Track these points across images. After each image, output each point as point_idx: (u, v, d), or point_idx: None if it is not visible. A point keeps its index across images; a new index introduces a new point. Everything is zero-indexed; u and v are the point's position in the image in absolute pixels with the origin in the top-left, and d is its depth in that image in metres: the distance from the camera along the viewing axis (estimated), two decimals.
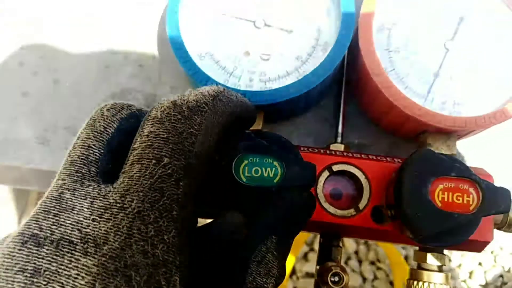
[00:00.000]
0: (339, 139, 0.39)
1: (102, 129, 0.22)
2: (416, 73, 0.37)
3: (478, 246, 0.33)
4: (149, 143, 0.21)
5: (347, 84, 0.40)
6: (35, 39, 0.44)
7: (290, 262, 0.97)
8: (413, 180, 0.29)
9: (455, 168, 0.29)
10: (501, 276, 1.08)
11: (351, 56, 0.39)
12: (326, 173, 0.34)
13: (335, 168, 0.34)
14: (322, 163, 0.34)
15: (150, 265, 0.18)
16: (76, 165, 0.21)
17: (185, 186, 0.21)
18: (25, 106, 0.43)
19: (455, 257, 1.10)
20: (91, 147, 0.22)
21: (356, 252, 1.10)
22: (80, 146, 0.22)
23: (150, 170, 0.20)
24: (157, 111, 0.22)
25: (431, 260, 0.34)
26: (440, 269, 0.34)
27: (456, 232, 0.30)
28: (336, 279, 0.33)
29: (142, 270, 0.18)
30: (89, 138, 0.22)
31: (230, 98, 0.25)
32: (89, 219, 0.19)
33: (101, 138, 0.22)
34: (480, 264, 1.09)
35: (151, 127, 0.21)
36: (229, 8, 0.38)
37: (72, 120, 0.42)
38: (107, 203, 0.19)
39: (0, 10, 0.45)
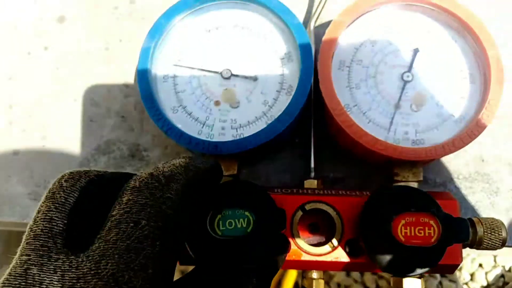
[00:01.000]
0: (312, 174, 0.41)
1: (63, 200, 0.23)
2: (377, 106, 0.39)
3: (449, 269, 0.35)
4: (127, 209, 0.22)
5: (316, 121, 0.42)
6: (23, 99, 0.47)
7: (292, 276, 0.98)
8: (376, 218, 0.31)
9: (415, 203, 0.31)
10: (502, 276, 1.09)
11: (317, 94, 0.41)
12: (299, 213, 0.36)
13: (308, 207, 0.36)
14: (295, 203, 0.36)
15: None
16: (40, 239, 0.22)
17: (162, 245, 0.22)
18: (17, 164, 0.45)
19: None
20: (54, 219, 0.22)
21: None
22: (42, 220, 0.22)
23: (127, 233, 0.21)
24: (135, 182, 0.24)
25: (407, 285, 0.36)
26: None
27: (423, 262, 0.32)
28: None
29: None
30: (51, 211, 0.23)
31: (198, 166, 0.27)
32: None
33: (62, 209, 0.23)
34: (480, 265, 1.10)
35: (130, 195, 0.23)
36: (196, 62, 0.41)
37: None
38: (80, 273, 0.20)
39: None
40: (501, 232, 0.36)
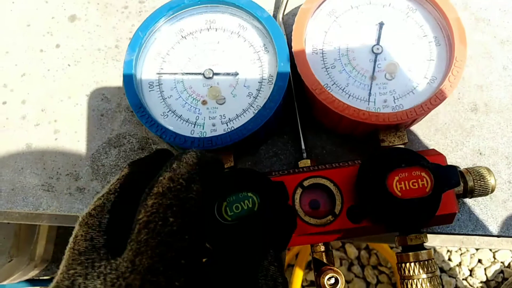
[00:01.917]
0: (304, 155, 0.42)
1: (97, 223, 0.26)
2: (354, 81, 0.41)
3: (447, 219, 0.37)
4: (154, 211, 0.24)
5: (300, 105, 0.44)
6: (36, 95, 0.49)
7: (299, 276, 0.99)
8: (371, 180, 0.33)
9: (405, 159, 0.33)
10: (502, 272, 1.11)
11: (297, 79, 0.43)
12: (299, 190, 0.37)
13: (306, 183, 0.37)
14: (294, 182, 0.37)
15: None
16: (85, 255, 0.25)
17: (190, 239, 0.24)
18: (30, 157, 0.47)
19: (455, 256, 1.14)
20: (94, 238, 0.25)
21: (358, 258, 1.13)
22: (83, 240, 0.25)
23: (157, 230, 0.23)
24: (158, 188, 0.25)
25: (412, 241, 0.37)
26: (422, 247, 0.37)
27: (422, 211, 0.34)
28: (332, 281, 0.36)
29: None
30: (89, 233, 0.26)
31: (208, 161, 0.29)
32: None
33: (98, 229, 0.26)
34: (480, 261, 1.13)
35: (154, 199, 0.25)
36: (178, 68, 0.42)
37: (73, 167, 0.46)
38: (119, 273, 0.23)
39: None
40: (489, 178, 0.39)
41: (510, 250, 1.13)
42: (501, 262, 1.12)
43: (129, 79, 0.41)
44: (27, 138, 0.47)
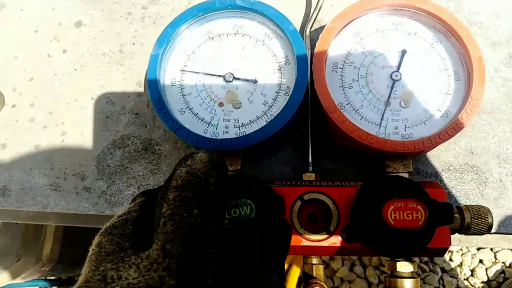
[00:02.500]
0: (310, 168, 0.44)
1: (122, 232, 0.28)
2: (369, 104, 0.42)
3: (438, 252, 0.38)
4: (177, 203, 0.26)
5: (313, 120, 0.45)
6: (43, 98, 0.51)
7: (295, 274, 1.01)
8: (367, 204, 0.34)
9: (403, 190, 0.34)
10: (503, 272, 1.11)
11: (313, 94, 0.44)
12: (299, 202, 0.39)
13: (306, 197, 0.39)
14: (295, 194, 0.39)
15: None
16: (113, 255, 0.26)
17: (214, 229, 0.26)
18: (38, 158, 0.49)
19: (456, 256, 1.14)
20: (120, 243, 0.27)
21: (360, 258, 1.14)
22: (109, 244, 0.27)
23: (183, 221, 0.25)
24: (176, 181, 0.27)
25: (401, 268, 0.38)
26: (411, 275, 0.38)
27: (412, 243, 0.35)
28: None
29: None
30: (114, 239, 0.27)
31: (218, 161, 0.30)
32: (139, 277, 0.23)
33: (124, 235, 0.28)
34: (481, 261, 1.12)
35: (175, 193, 0.26)
36: (201, 67, 0.44)
37: (79, 167, 0.48)
38: (152, 260, 0.24)
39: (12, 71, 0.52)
40: (487, 218, 0.39)
41: (510, 250, 1.12)
42: (502, 262, 1.12)
43: (153, 73, 0.42)
44: (35, 140, 0.50)
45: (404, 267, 0.38)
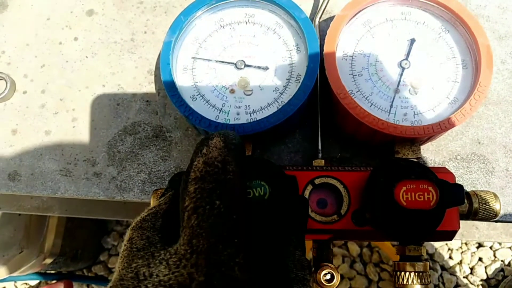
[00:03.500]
0: (319, 155, 0.44)
1: (152, 225, 0.29)
2: (378, 91, 0.42)
3: (447, 236, 0.39)
4: (198, 196, 0.26)
5: (323, 108, 0.46)
6: (55, 85, 0.51)
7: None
8: (380, 186, 0.35)
9: (414, 171, 0.35)
10: (502, 270, 1.12)
11: (323, 82, 0.45)
12: (310, 187, 0.39)
13: (317, 181, 0.39)
14: (306, 179, 0.39)
15: (235, 287, 0.23)
16: (144, 250, 0.26)
17: (237, 218, 0.26)
18: (49, 143, 0.50)
19: (456, 254, 1.14)
20: (150, 237, 0.28)
21: (360, 255, 1.14)
22: (140, 239, 0.27)
23: (206, 214, 0.25)
24: (195, 173, 0.27)
25: (411, 251, 0.39)
26: (419, 259, 0.39)
27: (424, 224, 0.35)
28: (328, 277, 0.38)
29: None
30: (144, 235, 0.28)
31: (235, 143, 0.30)
32: (169, 274, 0.24)
33: (152, 230, 0.28)
34: (480, 259, 1.13)
35: (195, 185, 0.26)
36: (213, 55, 0.45)
37: (90, 153, 0.49)
38: (181, 254, 0.24)
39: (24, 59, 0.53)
40: (495, 204, 0.40)
41: (510, 248, 1.13)
42: (501, 261, 1.13)
43: (166, 59, 0.43)
44: (46, 126, 0.50)
45: (413, 250, 0.39)
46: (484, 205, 0.40)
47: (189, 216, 0.25)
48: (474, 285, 1.12)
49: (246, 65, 0.44)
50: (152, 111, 0.49)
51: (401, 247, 0.39)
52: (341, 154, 0.47)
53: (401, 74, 0.43)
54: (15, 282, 1.20)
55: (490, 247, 1.15)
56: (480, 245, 1.16)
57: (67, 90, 0.51)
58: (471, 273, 1.13)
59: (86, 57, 0.52)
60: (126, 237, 0.29)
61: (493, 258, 1.13)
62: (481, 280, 1.12)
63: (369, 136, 0.43)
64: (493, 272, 1.12)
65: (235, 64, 0.44)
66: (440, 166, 0.45)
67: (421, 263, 0.38)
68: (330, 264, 0.39)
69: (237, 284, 0.23)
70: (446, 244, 1.16)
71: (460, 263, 1.14)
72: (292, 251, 0.30)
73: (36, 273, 1.05)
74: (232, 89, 0.44)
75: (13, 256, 0.82)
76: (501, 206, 0.40)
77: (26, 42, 0.53)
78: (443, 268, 1.14)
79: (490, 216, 0.40)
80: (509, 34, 0.49)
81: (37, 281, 1.19)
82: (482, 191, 0.41)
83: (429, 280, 0.38)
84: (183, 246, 0.24)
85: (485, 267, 1.13)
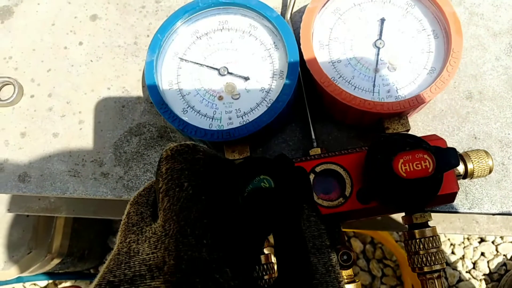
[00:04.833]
0: (314, 144, 0.46)
1: (145, 200, 0.30)
2: (359, 74, 0.44)
3: (449, 198, 0.40)
4: (169, 177, 0.27)
5: (309, 99, 0.47)
6: (61, 89, 0.52)
7: None
8: (378, 163, 0.36)
9: (408, 143, 0.37)
10: (504, 264, 1.14)
11: (306, 74, 0.46)
12: (312, 176, 0.41)
13: (318, 169, 0.41)
14: (307, 169, 0.41)
15: (202, 268, 0.24)
16: (136, 225, 0.28)
17: (207, 199, 0.27)
18: (57, 145, 0.51)
19: (458, 249, 1.17)
20: (142, 212, 0.29)
21: (363, 252, 1.16)
22: (135, 214, 0.29)
23: (176, 197, 0.26)
24: (167, 152, 0.28)
25: (417, 219, 0.41)
26: (427, 225, 0.40)
27: (426, 190, 0.37)
28: (345, 257, 0.39)
29: (198, 274, 0.24)
30: (138, 210, 0.29)
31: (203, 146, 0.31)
32: (150, 254, 0.25)
33: (145, 207, 0.29)
34: (483, 254, 1.15)
35: (166, 164, 0.28)
36: (195, 66, 0.46)
37: (97, 154, 0.50)
38: (158, 236, 0.26)
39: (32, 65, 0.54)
40: (488, 160, 0.42)
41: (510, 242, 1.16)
42: (504, 255, 1.15)
43: (151, 79, 0.44)
44: (54, 128, 0.51)
45: (420, 218, 0.40)
46: (478, 163, 0.42)
47: (162, 198, 0.27)
48: (477, 280, 1.14)
49: (228, 72, 0.45)
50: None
51: (408, 217, 0.41)
52: (331, 136, 0.48)
53: (378, 54, 0.44)
54: (24, 283, 1.20)
55: (492, 242, 1.16)
56: (482, 240, 1.17)
57: (73, 93, 0.52)
58: (474, 267, 1.15)
59: (91, 61, 0.53)
60: (126, 210, 0.30)
61: (495, 252, 1.15)
62: (484, 274, 1.14)
63: (358, 119, 0.44)
64: (496, 266, 1.14)
65: (219, 70, 0.45)
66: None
67: (429, 228, 0.40)
68: (344, 245, 0.41)
69: (204, 265, 0.24)
70: (449, 239, 1.17)
71: (463, 258, 1.16)
72: (306, 218, 0.31)
73: (44, 273, 1.06)
74: (220, 96, 0.45)
75: (22, 256, 0.83)
76: (493, 161, 0.42)
77: (32, 48, 0.54)
78: (445, 263, 1.16)
79: (485, 172, 0.42)
80: (503, 31, 0.50)
81: (45, 282, 1.21)
82: (473, 150, 0.43)
83: (439, 243, 0.40)
84: (160, 228, 0.26)
85: (488, 262, 1.14)
